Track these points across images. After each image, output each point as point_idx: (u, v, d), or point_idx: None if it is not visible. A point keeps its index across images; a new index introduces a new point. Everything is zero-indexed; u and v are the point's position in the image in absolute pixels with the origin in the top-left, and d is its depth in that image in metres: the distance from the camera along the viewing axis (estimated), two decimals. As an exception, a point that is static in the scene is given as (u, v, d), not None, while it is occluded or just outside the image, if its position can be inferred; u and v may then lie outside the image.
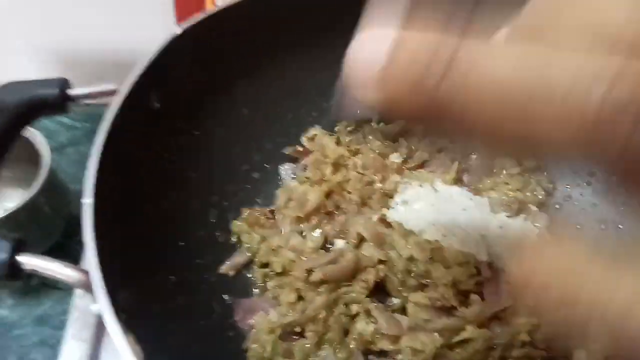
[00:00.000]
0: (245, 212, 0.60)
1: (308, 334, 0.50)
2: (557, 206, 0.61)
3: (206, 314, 0.52)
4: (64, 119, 0.82)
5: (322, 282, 0.52)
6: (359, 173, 0.61)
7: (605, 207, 0.58)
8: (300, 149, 0.65)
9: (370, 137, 0.65)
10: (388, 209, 0.59)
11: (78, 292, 0.61)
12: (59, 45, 0.80)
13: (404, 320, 0.51)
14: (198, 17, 0.54)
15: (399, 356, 0.50)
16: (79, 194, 0.74)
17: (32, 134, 0.65)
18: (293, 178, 0.64)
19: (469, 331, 0.48)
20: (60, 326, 0.62)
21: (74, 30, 0.78)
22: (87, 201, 0.40)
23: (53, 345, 0.61)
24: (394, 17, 0.21)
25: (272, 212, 0.61)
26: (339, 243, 0.57)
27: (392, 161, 0.63)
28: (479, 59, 0.17)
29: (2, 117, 0.43)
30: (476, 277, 0.51)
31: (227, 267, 0.56)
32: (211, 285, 0.54)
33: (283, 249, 0.56)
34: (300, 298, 0.52)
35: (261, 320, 0.51)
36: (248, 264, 0.57)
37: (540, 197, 0.61)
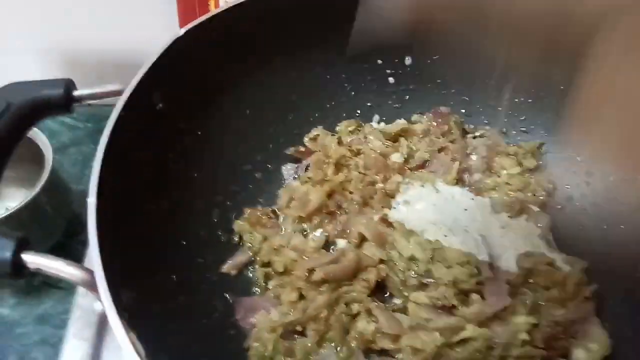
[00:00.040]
0: (248, 212, 0.60)
1: (309, 332, 0.51)
2: (558, 206, 0.61)
3: (208, 313, 0.52)
4: (66, 120, 0.83)
5: (323, 281, 0.52)
6: (360, 173, 0.62)
7: (606, 207, 0.58)
8: (303, 149, 0.65)
9: (371, 138, 0.65)
10: (389, 209, 0.59)
11: (80, 291, 0.61)
12: (62, 46, 0.80)
13: (404, 320, 0.51)
14: (201, 18, 0.54)
15: (400, 355, 0.50)
16: (80, 194, 0.75)
17: (35, 133, 0.66)
18: (295, 178, 0.64)
19: (470, 330, 0.48)
20: (62, 325, 0.62)
21: (78, 31, 0.79)
22: (91, 200, 0.40)
23: (54, 344, 0.62)
24: None
25: (274, 211, 0.61)
26: (341, 243, 0.58)
27: (394, 161, 0.64)
28: None
29: (7, 117, 0.43)
30: (477, 276, 0.51)
31: (228, 267, 0.56)
32: (213, 284, 0.54)
33: (285, 249, 0.56)
34: (301, 297, 0.53)
35: (262, 319, 0.51)
36: (250, 263, 0.58)
37: (541, 197, 0.61)
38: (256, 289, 0.56)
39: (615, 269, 0.54)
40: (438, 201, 0.60)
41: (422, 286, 0.52)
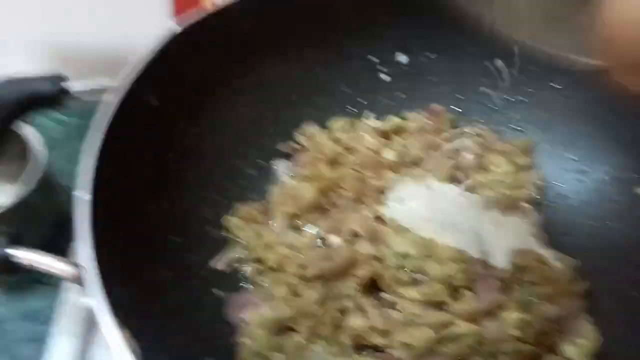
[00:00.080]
0: (239, 208, 0.60)
1: (301, 328, 0.51)
2: (550, 204, 0.61)
3: (199, 309, 0.52)
4: (57, 115, 0.82)
5: (315, 277, 0.52)
6: (353, 170, 0.62)
7: (598, 205, 0.58)
8: (295, 145, 0.65)
9: (365, 135, 0.65)
10: (382, 205, 0.59)
11: (67, 287, 0.61)
12: (54, 41, 0.80)
13: (396, 316, 0.51)
14: (196, 14, 0.54)
15: (391, 351, 0.50)
16: (71, 190, 0.74)
17: (25, 128, 0.65)
18: (288, 175, 0.64)
19: (460, 326, 0.49)
20: (49, 321, 0.62)
21: (70, 26, 0.78)
22: (82, 195, 0.40)
23: (42, 341, 0.61)
24: None
25: (266, 208, 0.61)
26: (333, 239, 0.57)
27: (387, 158, 0.64)
28: None
29: (-4, 111, 0.43)
30: (469, 273, 0.51)
31: (220, 263, 0.56)
32: (204, 281, 0.54)
33: (277, 245, 0.56)
34: (293, 293, 0.53)
35: (254, 315, 0.51)
36: (241, 260, 0.58)
37: (533, 195, 0.61)
38: (248, 285, 0.56)
39: (606, 266, 0.55)
40: (431, 198, 0.60)
41: (414, 282, 0.52)
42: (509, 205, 0.60)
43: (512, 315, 0.49)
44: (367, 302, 0.52)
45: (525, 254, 0.54)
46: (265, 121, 0.64)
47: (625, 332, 0.51)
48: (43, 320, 0.63)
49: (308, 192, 0.59)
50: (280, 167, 0.65)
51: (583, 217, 0.59)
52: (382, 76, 0.68)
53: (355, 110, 0.68)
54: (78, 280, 0.38)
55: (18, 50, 0.79)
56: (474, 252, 0.53)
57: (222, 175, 0.61)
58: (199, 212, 0.57)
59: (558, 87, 0.62)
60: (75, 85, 0.49)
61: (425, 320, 0.49)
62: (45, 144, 0.66)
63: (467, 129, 0.67)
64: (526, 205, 0.61)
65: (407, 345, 0.49)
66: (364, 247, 0.55)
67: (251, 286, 0.56)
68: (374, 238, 0.56)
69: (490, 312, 0.50)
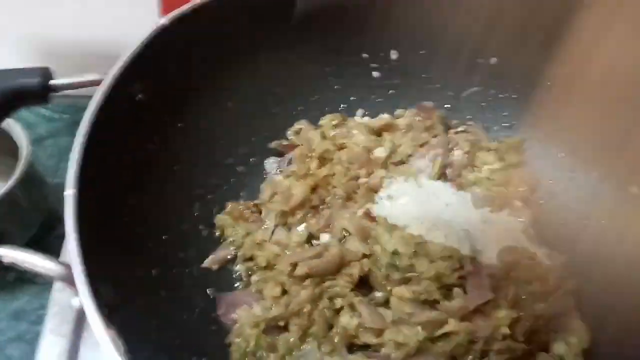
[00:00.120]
0: (230, 206, 0.59)
1: (292, 328, 0.50)
2: (540, 201, 0.62)
3: (189, 308, 0.51)
4: (43, 111, 0.81)
5: (306, 276, 0.52)
6: (344, 167, 0.61)
7: (587, 203, 0.59)
8: (286, 143, 0.65)
9: (355, 132, 0.65)
10: (373, 203, 0.59)
11: (56, 287, 0.60)
12: (41, 36, 0.78)
13: (387, 314, 0.51)
14: (183, 9, 0.53)
15: (383, 349, 0.50)
16: (57, 187, 0.73)
17: (11, 125, 0.64)
18: (278, 172, 0.64)
19: (452, 324, 0.49)
20: (37, 321, 0.61)
21: (57, 21, 0.77)
22: (70, 193, 0.39)
23: (30, 341, 0.60)
24: None
25: (256, 206, 0.60)
26: (324, 237, 0.57)
27: (377, 156, 0.63)
28: None
29: (-19, 106, 0.41)
30: (459, 271, 0.51)
31: (210, 261, 0.56)
32: (194, 279, 0.54)
33: (268, 243, 0.56)
34: (284, 292, 0.52)
35: (245, 314, 0.51)
36: (232, 258, 0.57)
37: (524, 192, 0.61)
38: (238, 284, 0.56)
39: (596, 263, 0.55)
40: (421, 196, 0.60)
41: (405, 281, 0.52)
42: (499, 203, 0.60)
43: (503, 313, 0.49)
44: (358, 300, 0.51)
45: (515, 251, 0.54)
46: (256, 118, 0.64)
47: (615, 330, 0.51)
48: (34, 320, 0.62)
49: (298, 189, 0.59)
50: (271, 164, 0.65)
51: (573, 214, 0.59)
52: (373, 73, 0.68)
53: (345, 106, 0.68)
54: (65, 279, 0.37)
55: (4, 45, 0.78)
56: (464, 250, 0.53)
57: (212, 173, 0.60)
58: (189, 210, 0.57)
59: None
60: (62, 80, 0.48)
61: (417, 319, 0.49)
62: (30, 140, 0.64)
63: (457, 126, 0.67)
64: (516, 202, 0.61)
65: (398, 344, 0.49)
66: (355, 245, 0.55)
67: (242, 285, 0.56)
68: (365, 236, 0.56)
69: (481, 310, 0.50)
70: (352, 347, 0.51)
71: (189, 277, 0.53)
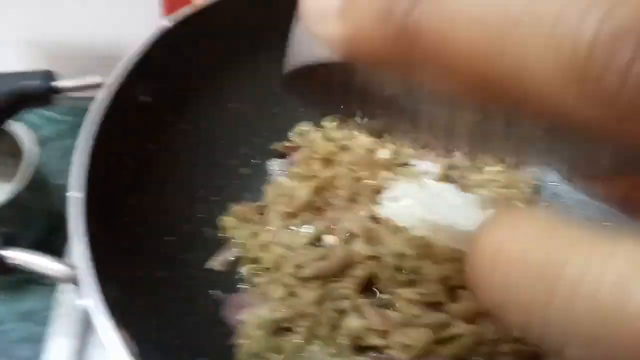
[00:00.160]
0: (233, 208, 0.59)
1: (298, 329, 0.50)
2: (544, 203, 0.62)
3: (194, 310, 0.51)
4: (48, 113, 0.81)
5: (312, 278, 0.52)
6: (348, 169, 0.61)
7: (591, 204, 0.58)
8: (289, 144, 0.65)
9: (357, 133, 0.65)
10: (377, 205, 0.59)
11: (63, 288, 0.60)
12: (43, 37, 0.79)
13: (394, 316, 0.51)
14: (187, 10, 0.54)
15: (389, 351, 0.50)
16: (62, 189, 0.73)
17: (16, 126, 0.64)
18: (282, 174, 0.64)
19: (459, 327, 0.48)
20: (45, 322, 0.61)
21: (60, 22, 0.77)
22: (75, 195, 0.39)
23: (38, 341, 0.61)
24: None
25: (260, 207, 0.60)
26: (329, 239, 0.57)
27: (381, 157, 0.63)
28: None
29: (-14, 108, 0.42)
30: (465, 272, 0.51)
31: (215, 263, 0.56)
32: (200, 281, 0.54)
33: (272, 245, 0.56)
34: (290, 294, 0.52)
35: (250, 315, 0.51)
36: (237, 260, 0.57)
37: (527, 194, 0.61)
38: (244, 285, 0.56)
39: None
40: (425, 197, 0.60)
41: (411, 282, 0.52)
42: (503, 205, 0.60)
43: (510, 315, 0.49)
44: (364, 302, 0.51)
45: (521, 253, 0.54)
46: (259, 119, 0.64)
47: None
48: (40, 320, 0.62)
49: (303, 191, 0.59)
50: (275, 166, 0.65)
51: (577, 216, 0.59)
52: (377, 74, 0.67)
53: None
54: (73, 281, 0.37)
55: (7, 47, 0.78)
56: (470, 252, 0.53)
57: (215, 175, 0.60)
58: (194, 212, 0.57)
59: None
60: (65, 82, 0.48)
61: (424, 321, 0.49)
62: (36, 142, 0.65)
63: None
64: (520, 204, 0.61)
65: (405, 346, 0.48)
66: (360, 247, 0.55)
67: (248, 287, 0.55)
68: (370, 238, 0.56)
69: (489, 313, 0.50)
70: (358, 349, 0.51)
71: (193, 279, 0.53)
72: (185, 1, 0.71)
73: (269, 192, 0.61)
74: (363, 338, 0.50)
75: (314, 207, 0.59)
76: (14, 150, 0.64)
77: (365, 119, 0.69)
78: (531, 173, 0.63)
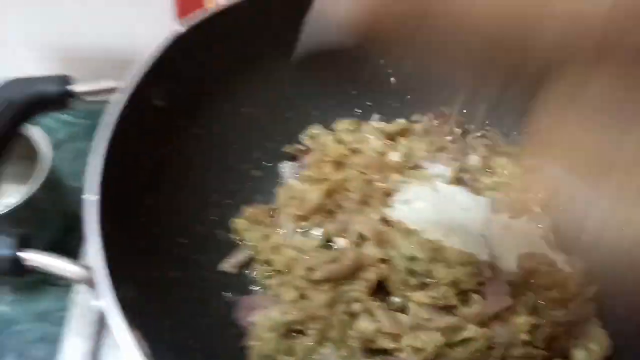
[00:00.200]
0: (246, 210, 0.60)
1: (309, 332, 0.50)
2: (559, 207, 0.61)
3: (207, 312, 0.52)
4: (62, 116, 0.82)
5: (323, 280, 0.52)
6: (359, 172, 0.61)
7: (607, 209, 0.58)
8: (301, 147, 0.65)
9: (371, 137, 0.65)
10: (389, 208, 0.59)
11: (78, 289, 0.61)
12: (58, 42, 0.80)
13: (405, 319, 0.51)
14: (200, 15, 0.54)
15: (400, 354, 0.50)
16: (77, 191, 0.73)
17: (32, 129, 0.65)
18: (294, 177, 0.64)
19: (470, 330, 0.48)
20: (60, 322, 0.62)
21: (74, 27, 0.78)
22: (91, 197, 0.40)
23: (53, 342, 0.61)
24: None
25: (272, 210, 0.61)
26: (340, 242, 0.57)
27: (393, 160, 0.63)
28: None
29: (3, 113, 0.42)
30: (477, 276, 0.51)
31: (228, 265, 0.56)
32: (212, 283, 0.54)
33: (284, 248, 0.56)
34: (301, 296, 0.52)
35: (262, 318, 0.51)
36: (249, 262, 0.57)
37: (543, 198, 0.61)
38: (256, 287, 0.56)
39: (616, 270, 0.54)
40: (438, 201, 0.60)
41: (423, 286, 0.52)
42: (517, 208, 0.59)
43: (522, 320, 0.49)
44: (375, 305, 0.51)
45: (535, 258, 0.54)
46: (271, 122, 0.64)
47: (635, 335, 0.50)
48: (55, 321, 0.63)
49: (314, 194, 0.59)
50: (286, 168, 0.65)
51: (593, 220, 0.58)
52: (390, 78, 0.68)
53: (360, 111, 0.68)
54: (88, 282, 0.38)
55: (24, 51, 0.79)
56: (482, 256, 0.53)
57: (227, 177, 0.60)
58: (206, 214, 0.57)
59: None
60: (80, 86, 0.49)
61: (435, 324, 0.49)
62: (50, 145, 0.66)
63: (474, 131, 0.67)
64: (535, 208, 0.60)
65: (416, 349, 0.48)
66: (371, 250, 0.55)
67: (260, 289, 0.56)
68: (381, 240, 0.56)
69: (500, 316, 0.50)
70: (369, 352, 0.51)
71: (206, 280, 0.54)
72: (198, 5, 0.72)
73: (281, 194, 0.61)
74: (374, 341, 0.50)
75: (325, 210, 0.59)
76: (29, 153, 0.65)
77: (382, 122, 0.69)
78: (547, 177, 0.62)
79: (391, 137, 0.66)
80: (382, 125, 0.68)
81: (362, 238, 0.57)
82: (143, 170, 0.50)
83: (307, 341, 0.50)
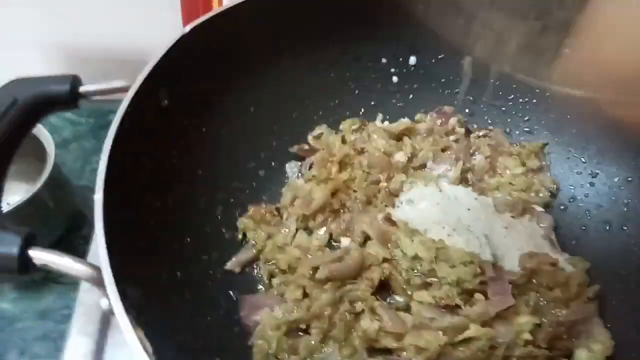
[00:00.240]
0: (251, 210, 0.60)
1: (313, 330, 0.51)
2: (561, 207, 0.61)
3: (212, 310, 0.52)
4: (68, 115, 0.82)
5: (327, 279, 0.52)
6: (364, 172, 0.62)
7: (609, 208, 0.58)
8: (306, 147, 0.65)
9: (375, 136, 0.65)
10: (393, 207, 0.59)
11: (83, 287, 0.61)
12: (67, 42, 0.80)
13: (408, 319, 0.51)
14: (206, 16, 0.54)
15: (403, 354, 0.50)
16: (82, 189, 0.74)
17: (37, 128, 0.65)
18: (299, 176, 0.64)
19: (473, 330, 0.49)
20: (63, 320, 0.62)
21: (82, 27, 0.78)
22: (99, 196, 0.40)
23: (55, 339, 0.62)
24: None
25: (278, 209, 0.61)
26: (345, 241, 0.58)
27: (397, 160, 0.64)
28: None
29: (13, 112, 0.42)
30: (480, 276, 0.51)
31: (233, 264, 0.56)
32: (217, 282, 0.54)
33: (289, 247, 0.56)
34: (305, 295, 0.53)
35: (267, 316, 0.51)
36: (254, 261, 0.58)
37: (545, 197, 0.61)
38: (260, 286, 0.57)
39: (618, 269, 0.55)
40: (441, 200, 0.60)
41: (426, 285, 0.52)
42: (520, 208, 0.60)
43: (524, 319, 0.49)
44: (379, 304, 0.52)
45: (537, 257, 0.54)
46: (276, 123, 0.64)
47: (637, 334, 0.51)
48: (57, 319, 0.64)
49: (319, 194, 0.59)
50: (292, 168, 0.65)
51: (595, 220, 0.59)
52: (393, 78, 0.68)
53: (365, 112, 0.68)
54: (95, 281, 0.38)
55: (32, 52, 0.80)
56: (485, 255, 0.53)
57: (234, 177, 0.61)
58: (212, 213, 0.57)
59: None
60: (91, 87, 0.49)
61: (438, 324, 0.49)
62: (56, 144, 0.66)
63: (477, 131, 0.67)
64: (537, 208, 0.61)
65: (419, 349, 0.49)
66: (375, 249, 0.55)
67: (264, 288, 0.56)
68: (385, 240, 0.56)
69: (503, 316, 0.50)
70: (372, 351, 0.51)
71: (212, 279, 0.54)
72: (205, 7, 0.72)
73: (286, 194, 0.61)
74: (377, 340, 0.50)
75: (330, 210, 0.60)
76: (34, 151, 0.66)
77: (385, 122, 0.69)
78: (548, 177, 0.63)
79: (395, 137, 0.66)
80: (387, 125, 0.68)
81: (366, 238, 0.57)
82: (151, 170, 0.50)
83: (310, 340, 0.50)
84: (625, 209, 0.57)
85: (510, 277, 0.52)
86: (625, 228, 0.57)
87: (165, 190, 0.51)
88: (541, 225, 0.59)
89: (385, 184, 0.61)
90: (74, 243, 0.70)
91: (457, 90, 0.68)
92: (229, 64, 0.57)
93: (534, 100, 0.65)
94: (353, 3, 0.61)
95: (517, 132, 0.67)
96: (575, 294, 0.52)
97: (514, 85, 0.65)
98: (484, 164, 0.64)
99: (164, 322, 0.43)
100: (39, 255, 0.38)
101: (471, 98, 0.68)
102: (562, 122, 0.63)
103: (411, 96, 0.69)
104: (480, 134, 0.67)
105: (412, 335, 0.50)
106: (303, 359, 0.50)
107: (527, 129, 0.66)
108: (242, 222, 0.59)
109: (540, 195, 0.61)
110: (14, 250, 0.38)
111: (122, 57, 0.77)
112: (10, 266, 0.38)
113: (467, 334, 0.49)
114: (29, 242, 0.39)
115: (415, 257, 0.53)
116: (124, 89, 0.47)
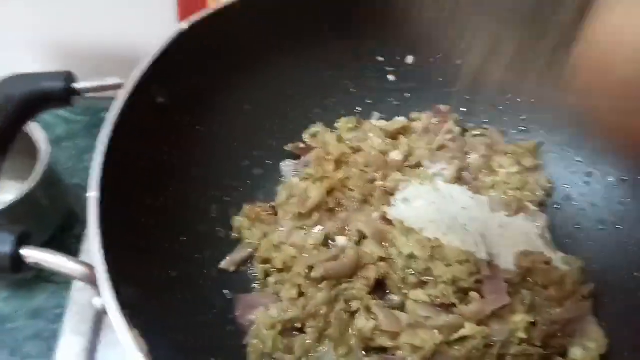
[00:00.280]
0: (247, 208, 0.60)
1: (308, 329, 0.51)
2: (556, 206, 0.62)
3: (207, 309, 0.52)
4: (62, 112, 0.82)
5: (323, 278, 0.52)
6: (360, 170, 0.62)
7: (603, 207, 0.58)
8: (302, 145, 0.65)
9: (371, 135, 0.65)
10: (389, 206, 0.59)
11: (75, 286, 0.61)
12: (62, 39, 0.80)
13: (403, 317, 0.51)
14: (202, 13, 0.54)
15: (399, 352, 0.50)
16: (75, 187, 0.74)
17: (31, 126, 0.65)
18: (294, 175, 0.64)
19: (468, 328, 0.49)
20: (55, 320, 0.62)
21: (77, 24, 0.78)
22: (92, 195, 0.40)
23: (47, 339, 0.61)
24: None
25: (273, 208, 0.61)
26: (340, 240, 0.57)
27: (393, 159, 0.64)
28: None
29: (7, 109, 0.42)
30: (476, 275, 0.51)
31: (227, 263, 0.56)
32: (212, 281, 0.54)
33: (284, 245, 0.56)
34: (301, 294, 0.53)
35: (262, 315, 0.51)
36: (249, 260, 0.58)
37: (540, 196, 0.61)
38: (255, 285, 0.56)
39: (612, 268, 0.55)
40: (437, 199, 0.60)
41: (422, 284, 0.52)
42: (515, 207, 0.60)
43: (520, 318, 0.49)
44: (375, 303, 0.52)
45: (532, 256, 0.54)
46: (272, 121, 0.64)
47: (631, 332, 0.51)
48: (50, 318, 0.63)
49: (315, 192, 0.59)
50: (287, 167, 0.65)
51: (589, 219, 0.59)
52: (389, 76, 0.68)
53: (362, 110, 0.68)
54: (88, 279, 0.38)
55: (27, 49, 0.79)
56: (481, 254, 0.53)
57: (228, 175, 0.60)
58: (207, 212, 0.57)
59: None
60: (85, 84, 0.49)
61: (433, 323, 0.50)
62: (49, 141, 0.65)
63: (473, 130, 0.67)
64: (532, 206, 0.61)
65: (414, 347, 0.49)
66: (371, 248, 0.55)
67: (259, 287, 0.56)
68: (381, 239, 0.56)
69: (498, 315, 0.50)
70: (368, 350, 0.51)
71: (206, 278, 0.54)
72: (201, 4, 0.72)
73: (282, 192, 0.61)
74: (373, 339, 0.50)
75: (326, 208, 0.59)
76: (27, 149, 0.65)
77: (381, 120, 0.69)
78: (543, 176, 0.63)
79: (391, 135, 0.66)
80: (383, 123, 0.68)
81: (362, 236, 0.57)
82: (145, 168, 0.50)
83: (306, 339, 0.50)
84: (620, 208, 0.57)
85: (505, 276, 0.52)
86: (619, 227, 0.57)
87: (159, 188, 0.51)
88: (536, 224, 0.59)
89: (381, 183, 0.61)
90: (66, 242, 0.69)
91: (453, 89, 0.68)
92: (224, 61, 0.57)
93: (531, 100, 0.65)
94: (350, 1, 0.61)
95: (513, 131, 0.67)
96: (570, 292, 0.52)
97: (511, 85, 0.65)
98: (480, 163, 0.64)
99: (157, 321, 0.43)
100: (32, 254, 0.38)
101: (467, 97, 0.68)
102: (557, 121, 0.64)
103: (407, 95, 0.69)
104: (476, 132, 0.67)
105: (407, 334, 0.50)
106: (298, 358, 0.50)
107: (523, 128, 0.66)
108: (237, 221, 0.59)
109: (536, 194, 0.61)
110: (7, 248, 0.37)
111: (117, 55, 0.76)
112: (2, 265, 0.38)
113: (463, 332, 0.49)
114: (22, 240, 0.38)
115: (411, 256, 0.53)
116: (119, 86, 0.47)
